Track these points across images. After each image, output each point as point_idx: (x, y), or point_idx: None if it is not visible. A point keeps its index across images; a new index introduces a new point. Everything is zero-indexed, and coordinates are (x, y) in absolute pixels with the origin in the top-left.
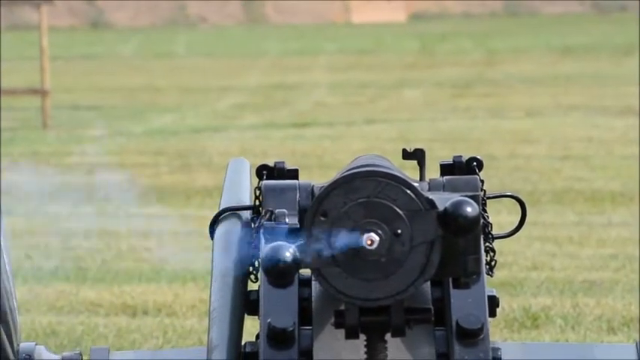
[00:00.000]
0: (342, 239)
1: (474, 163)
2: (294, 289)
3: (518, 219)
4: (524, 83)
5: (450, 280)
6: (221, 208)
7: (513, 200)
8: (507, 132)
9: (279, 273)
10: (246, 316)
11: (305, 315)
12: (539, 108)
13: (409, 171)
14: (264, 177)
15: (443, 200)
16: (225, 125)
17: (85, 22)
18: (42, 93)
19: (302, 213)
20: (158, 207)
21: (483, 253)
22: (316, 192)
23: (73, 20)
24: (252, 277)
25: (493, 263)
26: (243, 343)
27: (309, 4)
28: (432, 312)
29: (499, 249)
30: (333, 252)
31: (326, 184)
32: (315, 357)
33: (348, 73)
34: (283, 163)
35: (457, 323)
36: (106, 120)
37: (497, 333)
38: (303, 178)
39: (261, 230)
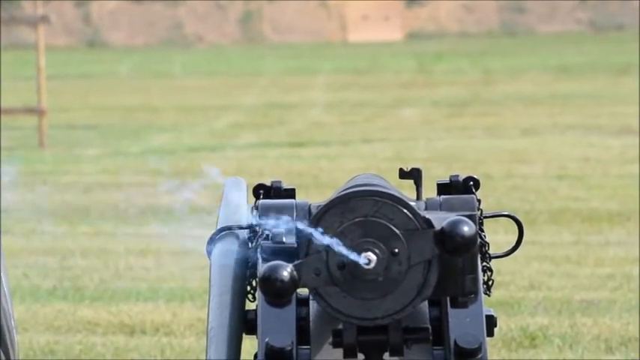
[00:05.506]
0: (340, 258)
1: (471, 183)
2: (291, 308)
3: (515, 238)
4: (521, 103)
5: (448, 299)
6: (218, 227)
7: (510, 220)
8: (504, 151)
9: (277, 292)
10: (244, 335)
11: (303, 334)
12: (535, 127)
13: (406, 190)
14: (261, 196)
15: (440, 219)
16: (222, 144)
17: (82, 41)
18: (39, 112)
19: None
20: (155, 226)
21: (481, 273)
22: (313, 211)
23: (69, 40)
24: (250, 296)
25: (490, 283)
26: None
27: (305, 23)
28: (430, 331)
29: (496, 269)
30: (330, 271)
31: (323, 204)
32: None
33: (344, 92)
34: (280, 182)
35: (455, 343)
36: (103, 139)
37: (494, 353)
38: (300, 198)
39: (259, 249)
